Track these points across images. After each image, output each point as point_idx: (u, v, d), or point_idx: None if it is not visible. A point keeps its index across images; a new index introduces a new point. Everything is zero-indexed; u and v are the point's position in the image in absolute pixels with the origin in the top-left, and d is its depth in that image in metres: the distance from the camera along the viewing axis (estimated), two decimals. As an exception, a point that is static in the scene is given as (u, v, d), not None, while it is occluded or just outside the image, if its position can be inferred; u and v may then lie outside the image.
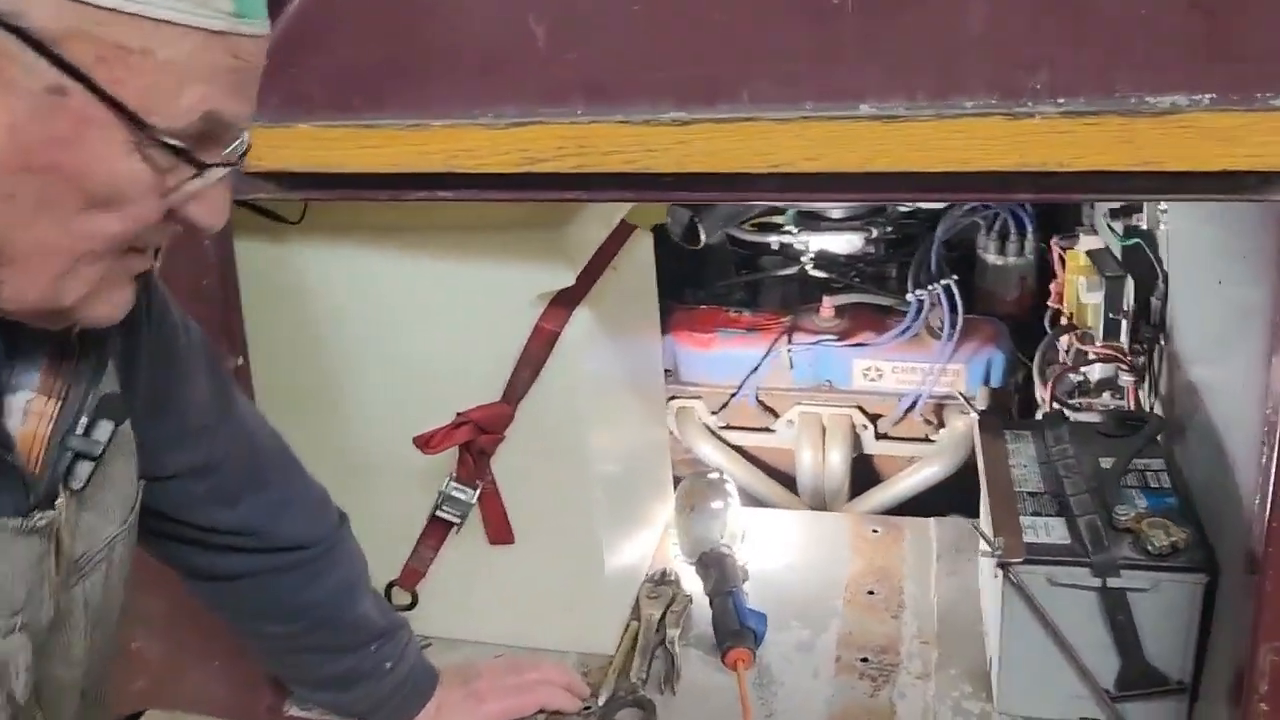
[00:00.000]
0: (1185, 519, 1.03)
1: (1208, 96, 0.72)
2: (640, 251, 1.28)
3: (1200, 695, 1.03)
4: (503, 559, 1.18)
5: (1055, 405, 1.30)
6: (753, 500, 1.63)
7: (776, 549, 1.39)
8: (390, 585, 1.21)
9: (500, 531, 1.17)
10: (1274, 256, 0.81)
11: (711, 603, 1.23)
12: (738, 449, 1.70)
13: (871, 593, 1.30)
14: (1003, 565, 1.01)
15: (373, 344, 1.14)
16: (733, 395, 1.66)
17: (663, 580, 1.31)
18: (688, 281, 1.84)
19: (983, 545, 1.06)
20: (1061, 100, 0.74)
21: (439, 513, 1.14)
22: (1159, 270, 1.20)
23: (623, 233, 1.22)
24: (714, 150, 0.81)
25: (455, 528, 1.15)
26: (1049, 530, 1.05)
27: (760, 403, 1.67)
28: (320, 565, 0.96)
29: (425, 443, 1.08)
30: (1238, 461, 0.93)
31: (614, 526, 1.21)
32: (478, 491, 1.14)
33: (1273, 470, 0.81)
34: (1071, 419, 1.22)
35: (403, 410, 1.13)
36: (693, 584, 1.30)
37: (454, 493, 1.14)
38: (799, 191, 0.83)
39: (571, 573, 1.19)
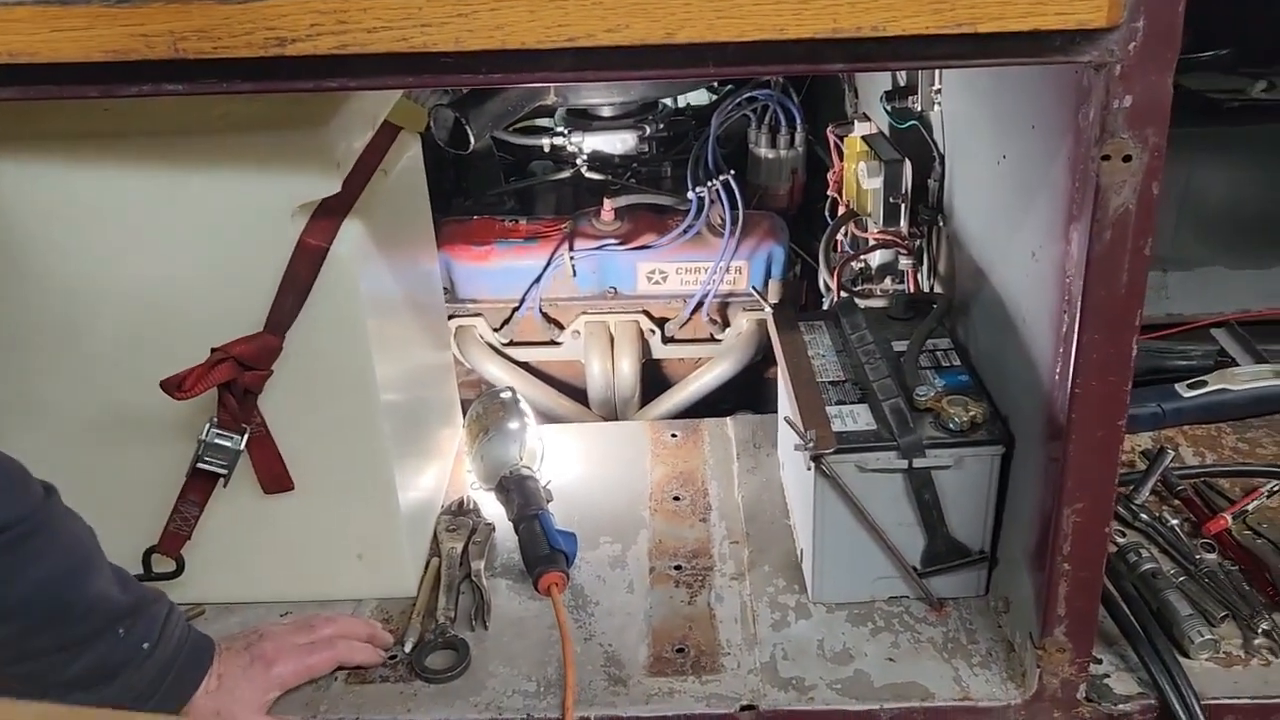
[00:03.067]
0: (979, 394, 1.05)
1: (1015, -46, 0.69)
2: (409, 156, 1.15)
3: (998, 562, 1.07)
4: (281, 508, 1.06)
5: (843, 293, 1.30)
6: (544, 417, 1.56)
7: (577, 464, 1.34)
8: (149, 552, 1.05)
9: (276, 478, 1.04)
10: (1069, 122, 0.81)
11: (517, 528, 1.16)
12: (523, 365, 1.63)
13: (677, 498, 1.27)
14: (816, 457, 1.00)
15: (98, 278, 0.96)
16: (515, 309, 1.58)
17: (461, 511, 1.23)
18: (454, 192, 1.72)
19: (792, 439, 1.04)
20: (872, -40, 0.69)
21: (201, 465, 1.00)
22: (936, 152, 1.21)
23: (388, 134, 1.09)
24: (500, 23, 0.71)
25: (222, 480, 1.01)
26: (855, 418, 1.05)
27: (544, 315, 1.59)
28: (25, 549, 0.80)
29: (177, 386, 0.93)
30: (1031, 333, 0.95)
31: (405, 460, 1.10)
32: (245, 437, 1.00)
33: (1074, 338, 0.83)
34: (862, 306, 1.22)
35: (144, 352, 0.97)
36: (494, 511, 1.22)
37: (217, 440, 0.99)
38: (597, 69, 0.74)
39: (362, 514, 1.08)
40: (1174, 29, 0.73)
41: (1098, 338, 0.83)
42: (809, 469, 1.02)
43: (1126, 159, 0.76)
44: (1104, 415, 0.85)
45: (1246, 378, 1.33)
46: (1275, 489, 1.18)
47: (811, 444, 1.00)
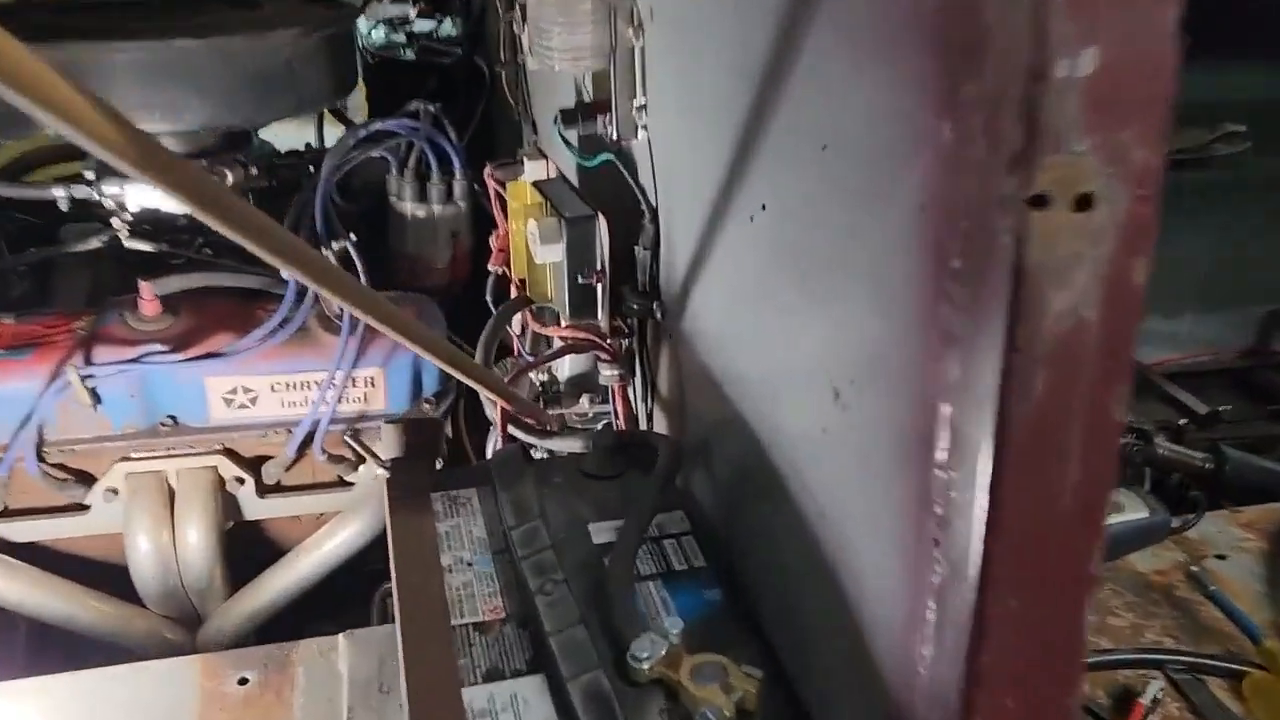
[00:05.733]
0: (744, 634, 0.58)
1: None
2: None
3: None
4: None
5: (509, 432, 0.80)
6: (64, 633, 0.96)
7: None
8: None
9: None
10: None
11: None
12: (26, 547, 1.02)
13: (237, 810, 0.72)
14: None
15: None
16: (-5, 462, 0.97)
17: None
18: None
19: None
20: None
21: None
22: (645, 205, 0.75)
23: None
24: None
25: None
26: (519, 715, 0.54)
27: (57, 467, 1.00)
28: None
29: None
30: (843, 516, 0.49)
31: None
32: None
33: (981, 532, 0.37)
34: (540, 455, 0.73)
35: None
36: None
37: None
38: None
39: None
40: None
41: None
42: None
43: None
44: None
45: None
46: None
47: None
